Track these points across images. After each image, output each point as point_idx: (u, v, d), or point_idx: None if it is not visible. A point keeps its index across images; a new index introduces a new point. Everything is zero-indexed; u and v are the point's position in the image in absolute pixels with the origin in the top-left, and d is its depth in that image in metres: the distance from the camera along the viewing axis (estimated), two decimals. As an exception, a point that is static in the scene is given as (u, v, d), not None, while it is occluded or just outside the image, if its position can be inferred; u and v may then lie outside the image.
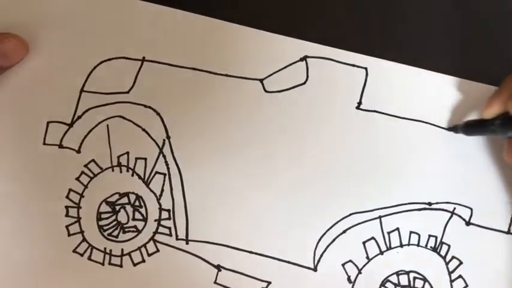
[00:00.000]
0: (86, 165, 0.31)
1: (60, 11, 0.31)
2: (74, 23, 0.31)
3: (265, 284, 0.30)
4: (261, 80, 0.31)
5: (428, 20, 0.32)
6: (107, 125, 0.31)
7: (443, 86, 0.31)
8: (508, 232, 0.30)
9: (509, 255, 0.30)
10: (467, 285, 0.30)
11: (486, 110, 0.29)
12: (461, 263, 0.30)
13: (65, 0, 0.31)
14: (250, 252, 0.30)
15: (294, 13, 0.32)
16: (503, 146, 0.29)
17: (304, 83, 0.31)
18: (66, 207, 0.30)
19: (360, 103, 0.31)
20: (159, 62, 0.31)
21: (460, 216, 0.30)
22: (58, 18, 0.31)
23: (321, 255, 0.30)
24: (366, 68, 0.31)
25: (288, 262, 0.30)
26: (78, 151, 0.31)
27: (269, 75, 0.31)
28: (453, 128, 0.31)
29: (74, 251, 0.30)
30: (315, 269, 0.30)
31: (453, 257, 0.30)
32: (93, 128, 0.31)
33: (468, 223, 0.30)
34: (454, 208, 0.30)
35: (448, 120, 0.31)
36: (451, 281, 0.30)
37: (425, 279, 0.30)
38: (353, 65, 0.31)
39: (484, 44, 0.32)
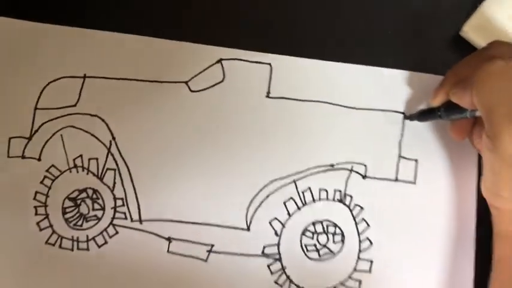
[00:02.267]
0: (47, 170, 0.36)
1: (8, 43, 0.37)
2: (19, 53, 0.37)
3: (209, 247, 0.36)
4: (186, 82, 0.38)
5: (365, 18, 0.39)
6: (61, 135, 0.37)
7: (339, 73, 0.39)
8: (396, 180, 0.38)
9: (398, 198, 0.38)
10: (368, 225, 0.38)
11: (433, 100, 0.35)
12: (362, 208, 0.38)
13: (12, 35, 0.37)
14: (194, 223, 0.37)
15: (209, 24, 0.39)
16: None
17: (222, 81, 0.38)
18: (35, 207, 0.36)
19: (268, 92, 0.38)
20: (98, 77, 0.37)
21: (357, 172, 0.38)
22: (6, 50, 0.37)
23: (252, 217, 0.37)
24: (269, 64, 0.39)
25: (226, 227, 0.37)
26: (39, 159, 0.37)
27: (192, 78, 0.38)
28: (409, 117, 0.38)
29: (47, 242, 0.36)
30: (248, 229, 0.37)
31: (356, 205, 0.38)
32: (49, 139, 0.37)
33: (364, 177, 0.38)
34: (352, 166, 0.38)
35: (354, 102, 0.38)
36: (356, 224, 0.38)
37: (335, 225, 0.38)
38: (259, 62, 0.39)
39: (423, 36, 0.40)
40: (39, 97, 0.37)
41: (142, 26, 0.38)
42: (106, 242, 0.36)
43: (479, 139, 0.34)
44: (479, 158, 0.38)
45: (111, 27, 0.38)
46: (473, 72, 0.30)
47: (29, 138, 0.37)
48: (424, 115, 0.37)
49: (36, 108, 0.37)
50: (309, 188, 0.38)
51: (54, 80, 0.37)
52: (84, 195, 0.36)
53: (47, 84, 0.37)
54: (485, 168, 0.32)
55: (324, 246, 0.37)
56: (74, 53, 0.38)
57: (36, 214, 0.36)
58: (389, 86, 0.39)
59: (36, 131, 0.37)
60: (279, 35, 0.39)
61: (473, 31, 0.39)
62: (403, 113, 0.39)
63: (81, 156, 0.37)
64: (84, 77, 0.37)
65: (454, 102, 0.33)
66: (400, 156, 0.38)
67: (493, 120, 0.29)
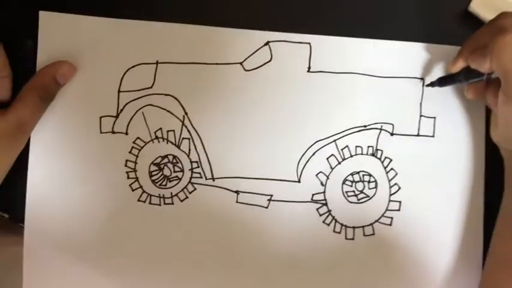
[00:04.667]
0: (134, 142, 0.44)
1: (92, 39, 0.44)
2: (102, 47, 0.44)
3: (269, 197, 0.45)
4: (241, 63, 0.46)
5: None
6: (142, 112, 0.45)
7: (368, 47, 0.46)
8: (417, 135, 0.46)
9: (420, 150, 0.46)
10: (396, 173, 0.46)
11: (452, 67, 0.41)
12: (391, 160, 0.46)
13: (96, 31, 0.44)
14: (257, 178, 0.45)
15: (257, 11, 0.46)
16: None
17: (270, 60, 0.46)
18: (127, 172, 0.44)
19: (309, 67, 0.46)
20: (169, 62, 0.45)
21: (386, 130, 0.46)
22: (91, 45, 0.44)
23: (302, 172, 0.45)
24: (309, 43, 0.46)
25: (281, 180, 0.45)
26: (126, 133, 0.44)
27: (246, 59, 0.46)
28: (431, 84, 0.45)
29: (138, 200, 0.44)
30: (299, 181, 0.45)
31: (385, 157, 0.46)
32: (133, 116, 0.44)
33: (392, 134, 0.46)
34: (381, 126, 0.46)
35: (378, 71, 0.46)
36: (387, 173, 0.46)
37: (370, 175, 0.46)
38: (300, 42, 0.46)
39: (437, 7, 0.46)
40: (121, 82, 0.45)
41: (203, 17, 0.45)
42: (187, 197, 0.45)
43: (493, 97, 0.41)
44: (487, 113, 0.46)
45: (175, 19, 0.45)
46: (489, 42, 0.37)
47: (116, 117, 0.44)
48: (444, 81, 0.44)
49: (119, 91, 0.44)
50: (347, 146, 0.46)
51: (132, 67, 0.45)
52: (166, 160, 0.45)
53: (127, 71, 0.45)
54: (500, 120, 0.40)
55: (361, 192, 0.46)
56: (147, 43, 0.45)
57: (128, 178, 0.44)
58: (410, 56, 0.46)
59: (122, 110, 0.44)
60: (317, 16, 0.46)
61: (480, 6, 0.46)
62: (422, 78, 0.46)
63: (160, 129, 0.45)
64: (157, 63, 0.45)
65: (472, 68, 0.40)
66: (421, 115, 0.46)
67: (510, 80, 0.36)
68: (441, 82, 0.44)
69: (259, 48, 0.46)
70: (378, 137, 0.46)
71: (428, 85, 0.46)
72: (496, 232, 0.43)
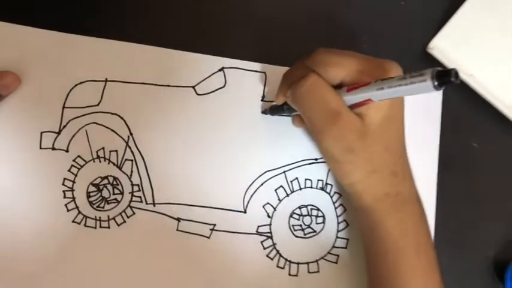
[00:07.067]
0: (74, 160, 0.43)
1: (40, 52, 0.43)
2: (50, 60, 0.43)
3: (212, 226, 0.43)
4: (193, 87, 0.45)
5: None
6: (86, 130, 0.43)
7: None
8: (369, 171, 0.46)
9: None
10: (345, 210, 0.45)
11: (276, 100, 0.41)
12: (340, 195, 0.45)
13: (42, 44, 0.43)
14: (199, 206, 0.43)
15: (215, 38, 0.46)
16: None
17: (224, 86, 0.45)
18: (63, 191, 0.42)
19: (263, 96, 0.45)
20: (118, 81, 0.44)
21: (337, 165, 0.45)
22: (39, 58, 0.43)
23: (248, 202, 0.44)
24: (265, 73, 0.45)
25: (226, 209, 0.44)
26: (67, 150, 0.43)
27: (198, 83, 0.45)
28: (264, 111, 0.44)
29: (73, 221, 0.42)
30: (244, 212, 0.44)
31: (335, 192, 0.45)
32: (76, 133, 0.43)
33: (343, 169, 0.45)
34: (333, 160, 0.45)
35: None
36: (335, 208, 0.45)
37: (318, 209, 0.45)
38: (256, 71, 0.45)
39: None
40: (66, 97, 0.43)
41: (157, 37, 0.44)
42: (124, 221, 0.42)
43: None
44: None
45: (130, 38, 0.44)
46: (295, 84, 0.35)
47: (58, 133, 0.43)
48: (275, 110, 0.43)
49: (64, 107, 0.43)
50: (296, 178, 0.45)
51: (80, 83, 0.43)
52: (105, 181, 0.43)
53: (74, 87, 0.43)
54: None
55: (308, 226, 0.44)
56: (97, 60, 0.44)
57: (64, 197, 0.42)
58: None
59: (64, 126, 0.43)
60: (272, 46, 0.46)
61: (438, 49, 0.46)
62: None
63: (103, 148, 0.43)
64: (106, 81, 0.44)
65: None
66: (372, 152, 0.46)
67: (312, 128, 0.36)
68: (272, 111, 0.43)
69: (213, 74, 0.45)
70: (329, 171, 0.45)
71: (262, 112, 0.45)
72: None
